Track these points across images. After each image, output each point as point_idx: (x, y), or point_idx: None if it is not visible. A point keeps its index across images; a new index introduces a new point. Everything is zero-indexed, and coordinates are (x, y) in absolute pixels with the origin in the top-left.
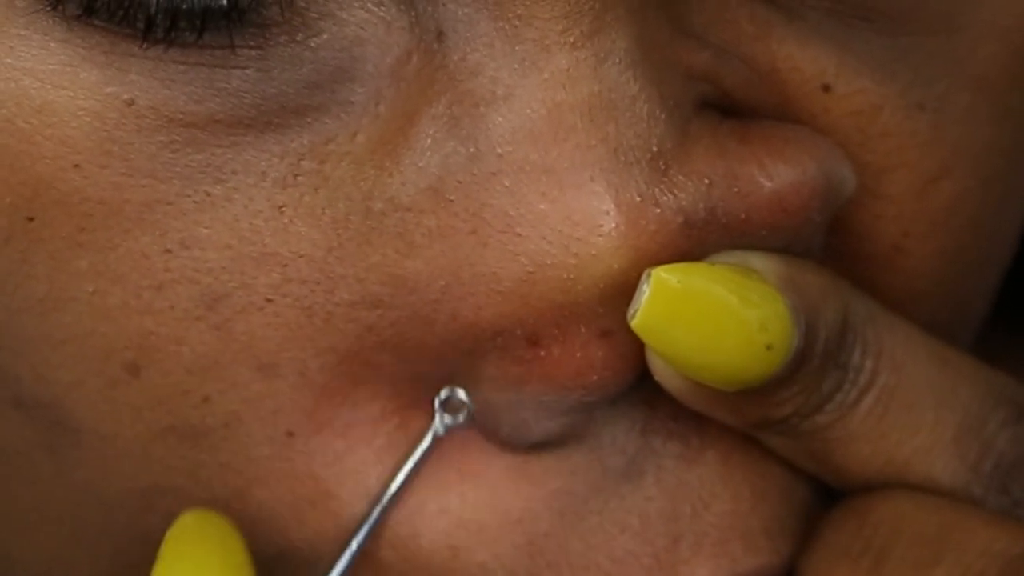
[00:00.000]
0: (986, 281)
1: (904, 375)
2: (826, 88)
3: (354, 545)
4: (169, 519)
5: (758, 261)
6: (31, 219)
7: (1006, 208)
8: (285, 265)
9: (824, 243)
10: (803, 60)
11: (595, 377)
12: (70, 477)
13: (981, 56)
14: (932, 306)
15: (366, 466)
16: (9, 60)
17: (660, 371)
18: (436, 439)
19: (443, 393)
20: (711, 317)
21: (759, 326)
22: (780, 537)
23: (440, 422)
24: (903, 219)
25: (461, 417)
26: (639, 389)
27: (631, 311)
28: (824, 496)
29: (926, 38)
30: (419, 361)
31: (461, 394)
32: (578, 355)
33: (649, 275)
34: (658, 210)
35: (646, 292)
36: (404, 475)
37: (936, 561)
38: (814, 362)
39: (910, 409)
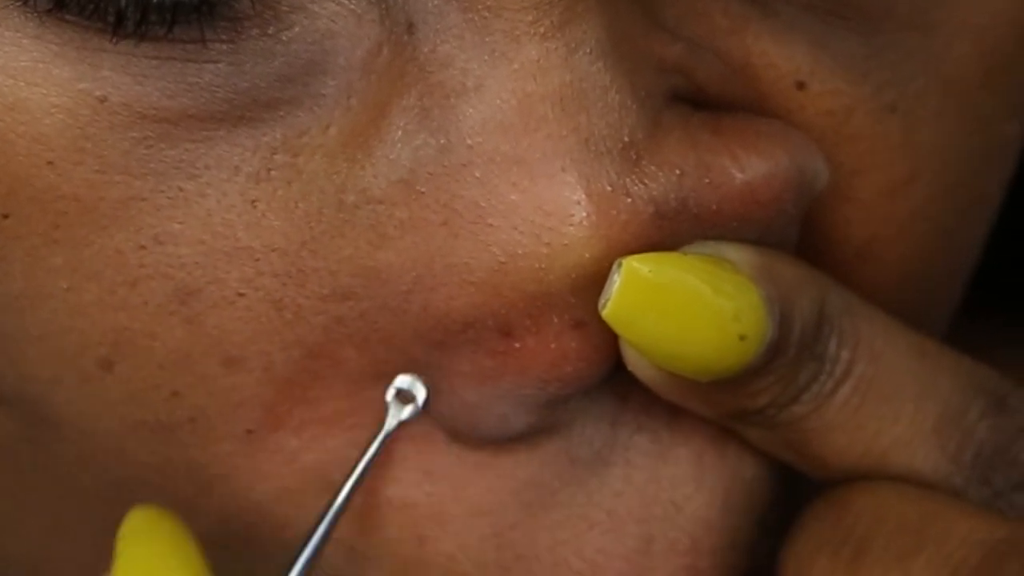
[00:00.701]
0: (950, 285)
1: (882, 366)
2: (800, 85)
3: (308, 549)
4: None
5: (732, 251)
6: (6, 216)
7: (973, 212)
8: (257, 259)
9: (797, 240)
10: (778, 56)
11: (570, 368)
12: (52, 471)
13: (954, 56)
14: (895, 310)
15: (323, 464)
16: None
17: (633, 361)
18: (388, 434)
19: (396, 383)
20: (683, 307)
21: (732, 316)
22: (747, 550)
23: (393, 415)
24: (871, 223)
25: (409, 409)
26: (611, 381)
27: (602, 300)
28: (800, 488)
29: (900, 36)
30: (385, 356)
31: (410, 383)
32: (552, 346)
33: (620, 264)
34: (629, 200)
35: (617, 282)
36: (359, 470)
37: (917, 551)
38: (789, 353)
39: (888, 400)
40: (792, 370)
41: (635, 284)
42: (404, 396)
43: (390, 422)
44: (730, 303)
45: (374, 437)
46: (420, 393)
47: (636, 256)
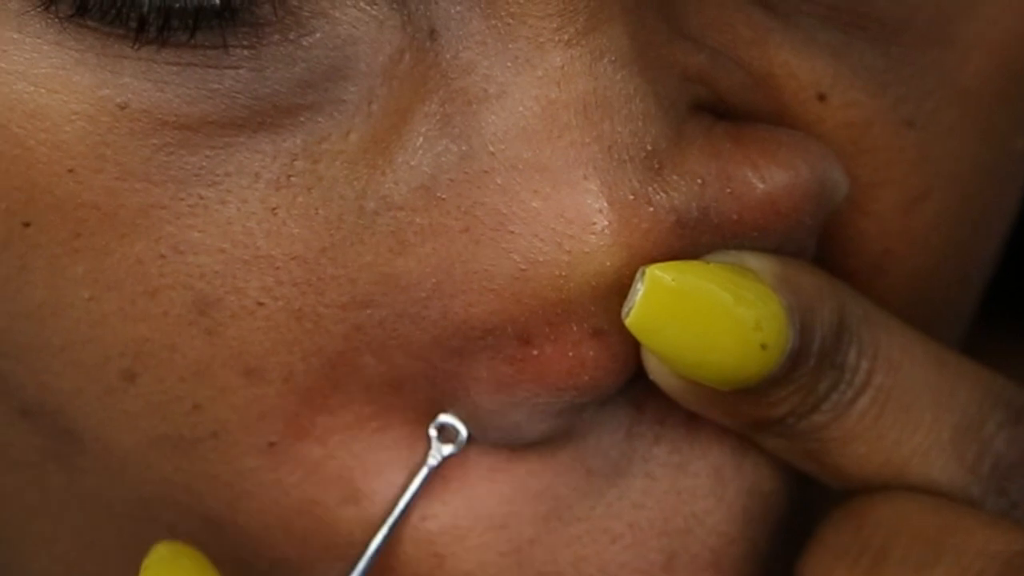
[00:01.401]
0: (965, 298)
1: (901, 376)
2: (821, 97)
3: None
4: (171, 531)
5: (754, 261)
6: (27, 225)
7: (987, 226)
8: (277, 268)
9: (815, 251)
10: (799, 68)
11: (587, 377)
12: (80, 486)
13: (970, 70)
14: (911, 321)
15: (348, 470)
16: (2, 64)
17: (655, 370)
18: (431, 469)
19: (439, 420)
20: (706, 315)
21: (754, 325)
22: (765, 561)
23: (436, 450)
24: (886, 237)
25: (454, 446)
26: (627, 391)
27: (625, 309)
28: (817, 498)
29: (919, 49)
30: (403, 363)
31: (455, 422)
32: (570, 354)
33: (643, 273)
34: (651, 209)
35: (640, 290)
36: (403, 504)
37: (935, 562)
38: (810, 362)
39: (907, 409)
40: (812, 379)
41: (658, 292)
42: (447, 431)
43: (433, 456)
44: (752, 312)
45: (415, 474)
46: (462, 431)
47: (659, 264)
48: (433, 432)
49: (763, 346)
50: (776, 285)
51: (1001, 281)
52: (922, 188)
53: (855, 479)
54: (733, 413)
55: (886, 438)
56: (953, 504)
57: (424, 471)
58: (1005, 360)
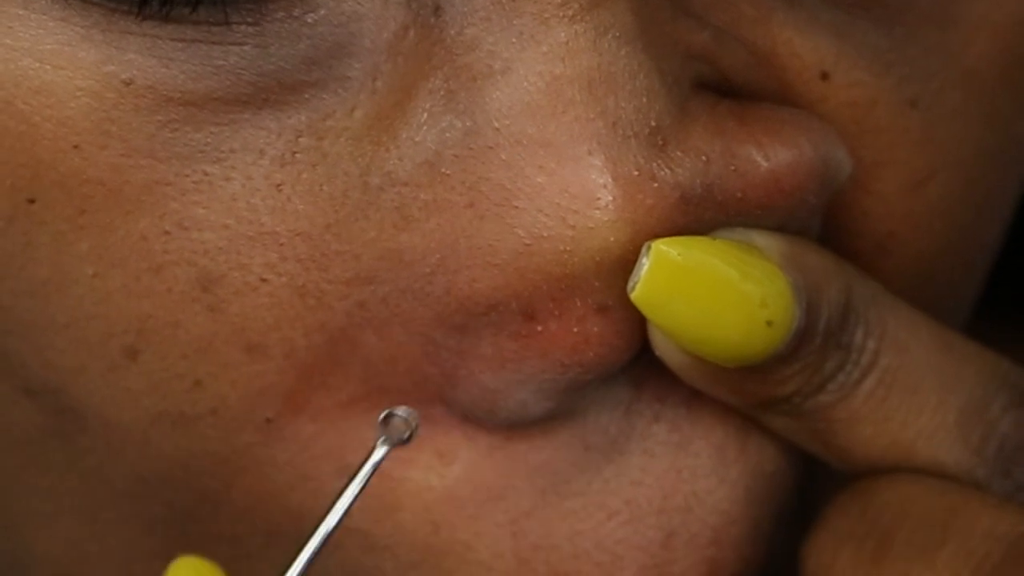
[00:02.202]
0: (969, 280)
1: (907, 357)
2: (824, 76)
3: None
4: (169, 508)
5: (761, 238)
6: (32, 201)
7: (991, 208)
8: (282, 244)
9: (819, 231)
10: (803, 46)
11: (592, 353)
12: (80, 464)
13: (973, 52)
14: (914, 303)
15: (338, 448)
16: (8, 40)
17: (661, 346)
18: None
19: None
20: (711, 291)
21: (760, 302)
22: (767, 542)
23: (382, 440)
24: (890, 218)
25: (406, 435)
26: (627, 369)
27: (631, 283)
28: (820, 479)
29: (922, 30)
30: (404, 340)
31: (403, 412)
32: (575, 330)
33: (649, 247)
34: (655, 184)
35: (646, 265)
36: (350, 493)
37: (941, 544)
38: (816, 341)
39: (913, 391)
40: (818, 359)
41: (664, 267)
42: (394, 423)
43: (379, 446)
44: (758, 289)
45: (363, 463)
46: (407, 417)
47: (665, 239)
48: (379, 421)
49: (769, 323)
50: (783, 263)
51: (1004, 265)
52: (926, 169)
53: (861, 460)
54: (738, 391)
55: (892, 419)
56: (959, 486)
57: (371, 459)
58: (1009, 345)
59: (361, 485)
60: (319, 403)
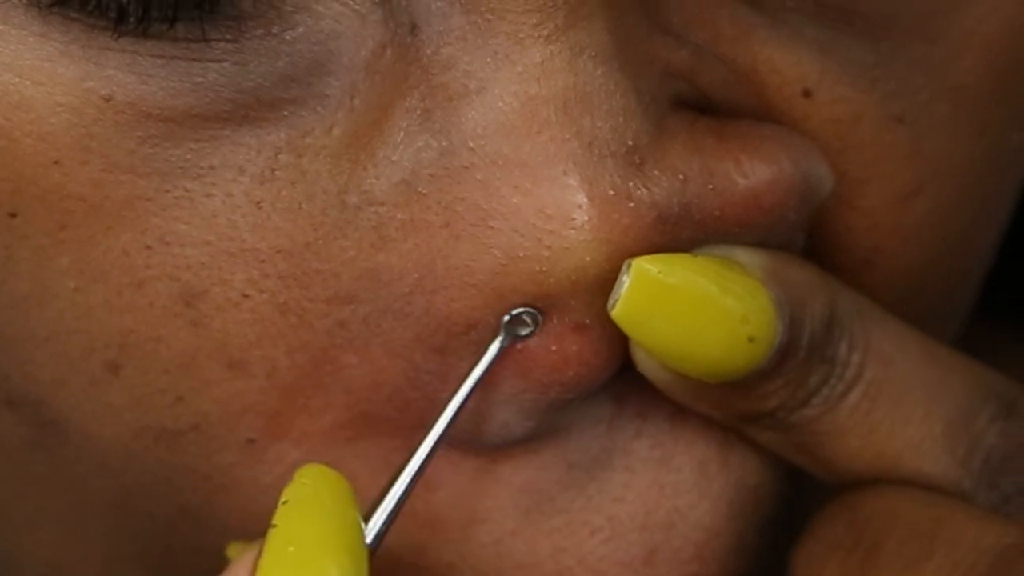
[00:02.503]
0: (959, 293)
1: (892, 369)
2: (807, 93)
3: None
4: (151, 520)
5: (743, 254)
6: (13, 215)
7: (981, 221)
8: (262, 261)
9: (803, 246)
10: (784, 64)
11: (571, 372)
12: (62, 475)
13: (962, 66)
14: (903, 317)
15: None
16: None
17: (643, 362)
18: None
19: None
20: (692, 308)
21: (741, 318)
22: (752, 555)
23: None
24: (875, 232)
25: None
26: (609, 385)
27: (611, 301)
28: (805, 489)
29: (908, 45)
30: (385, 364)
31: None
32: (553, 348)
33: (629, 265)
34: (632, 204)
35: (626, 282)
36: (466, 390)
37: (927, 555)
38: (799, 355)
39: (898, 403)
40: (802, 373)
41: (644, 284)
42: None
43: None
44: (739, 305)
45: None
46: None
47: (646, 256)
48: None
49: (751, 339)
50: (765, 278)
51: (994, 275)
52: (914, 183)
53: (847, 473)
54: (722, 406)
55: (878, 432)
56: (945, 498)
57: (496, 345)
58: (997, 354)
59: (474, 382)
60: (302, 427)
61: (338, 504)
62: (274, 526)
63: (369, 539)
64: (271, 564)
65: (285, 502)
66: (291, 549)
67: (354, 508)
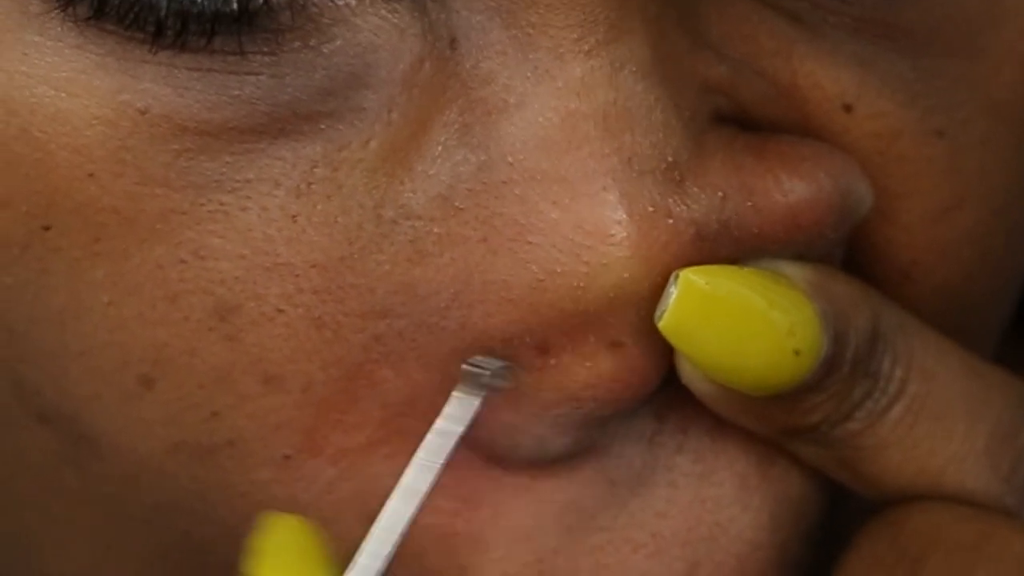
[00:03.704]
0: (996, 308)
1: (935, 385)
2: (847, 108)
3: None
4: (186, 538)
5: (788, 267)
6: (47, 228)
7: (1016, 240)
8: (297, 275)
9: (842, 260)
10: (824, 78)
11: (604, 389)
12: (95, 491)
13: (1001, 82)
14: (941, 331)
15: (361, 494)
16: (24, 68)
17: (688, 375)
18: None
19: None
20: (739, 320)
21: (787, 331)
22: (795, 567)
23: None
24: (914, 247)
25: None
26: (649, 402)
27: (658, 312)
28: (847, 503)
29: (948, 60)
30: (421, 378)
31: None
32: (587, 364)
33: (677, 276)
34: (671, 221)
35: (673, 294)
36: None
37: (971, 570)
38: (843, 369)
39: (941, 419)
40: (846, 387)
41: (691, 296)
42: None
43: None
44: (785, 318)
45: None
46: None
47: (693, 268)
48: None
49: (796, 352)
50: (810, 292)
51: None
52: (953, 198)
53: (889, 488)
54: (766, 420)
55: (920, 447)
56: (989, 513)
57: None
58: None
59: (457, 439)
60: (338, 443)
61: (313, 553)
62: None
63: None
64: None
65: (260, 552)
66: None
67: (327, 556)
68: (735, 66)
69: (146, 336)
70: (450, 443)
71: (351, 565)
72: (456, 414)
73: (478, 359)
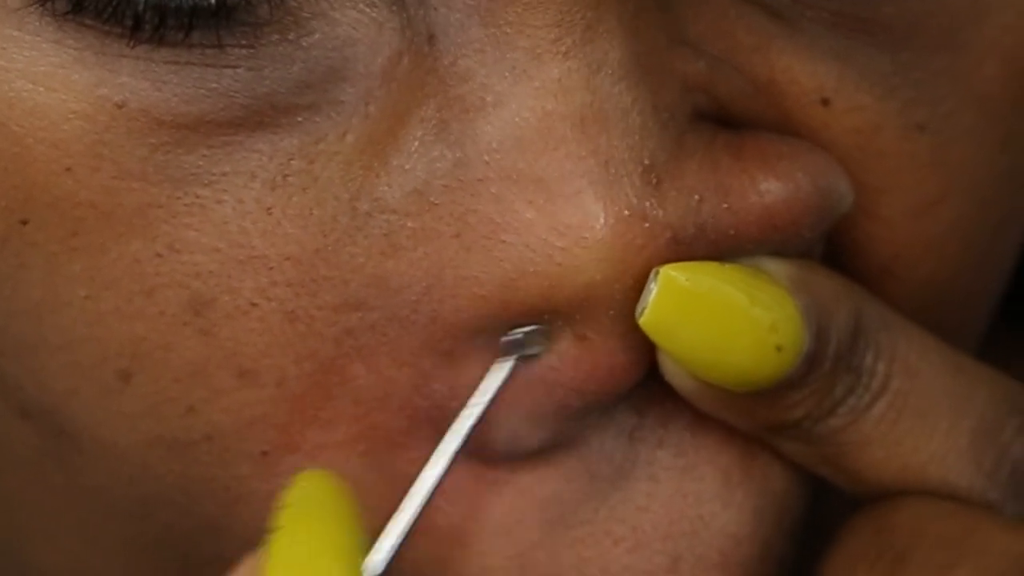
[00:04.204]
0: (980, 303)
1: (918, 380)
2: (825, 102)
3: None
4: (169, 531)
5: (770, 263)
6: (25, 222)
7: (1002, 234)
8: (271, 268)
9: (822, 254)
10: (802, 73)
11: (576, 386)
12: (78, 484)
13: (984, 76)
14: (924, 326)
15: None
16: (1, 62)
17: (670, 371)
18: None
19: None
20: (720, 316)
21: (769, 326)
22: (778, 561)
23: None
24: (895, 242)
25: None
26: (629, 397)
27: (639, 309)
28: (831, 497)
29: (928, 55)
30: (392, 374)
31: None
32: (558, 361)
33: (657, 273)
34: (647, 224)
35: (654, 290)
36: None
37: (956, 565)
38: (825, 365)
39: (924, 415)
40: (828, 383)
41: (672, 292)
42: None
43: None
44: (767, 313)
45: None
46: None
47: (673, 264)
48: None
49: (778, 348)
50: (792, 287)
51: (1017, 284)
52: (936, 193)
53: (872, 484)
54: (748, 416)
55: (903, 443)
56: (973, 508)
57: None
58: (1018, 365)
59: (484, 407)
60: (314, 439)
61: (339, 507)
62: (278, 528)
63: (381, 556)
64: (276, 566)
65: (286, 505)
66: (295, 550)
67: (354, 510)
68: (713, 63)
69: (123, 330)
70: (480, 406)
71: (386, 529)
72: (490, 381)
73: (516, 330)
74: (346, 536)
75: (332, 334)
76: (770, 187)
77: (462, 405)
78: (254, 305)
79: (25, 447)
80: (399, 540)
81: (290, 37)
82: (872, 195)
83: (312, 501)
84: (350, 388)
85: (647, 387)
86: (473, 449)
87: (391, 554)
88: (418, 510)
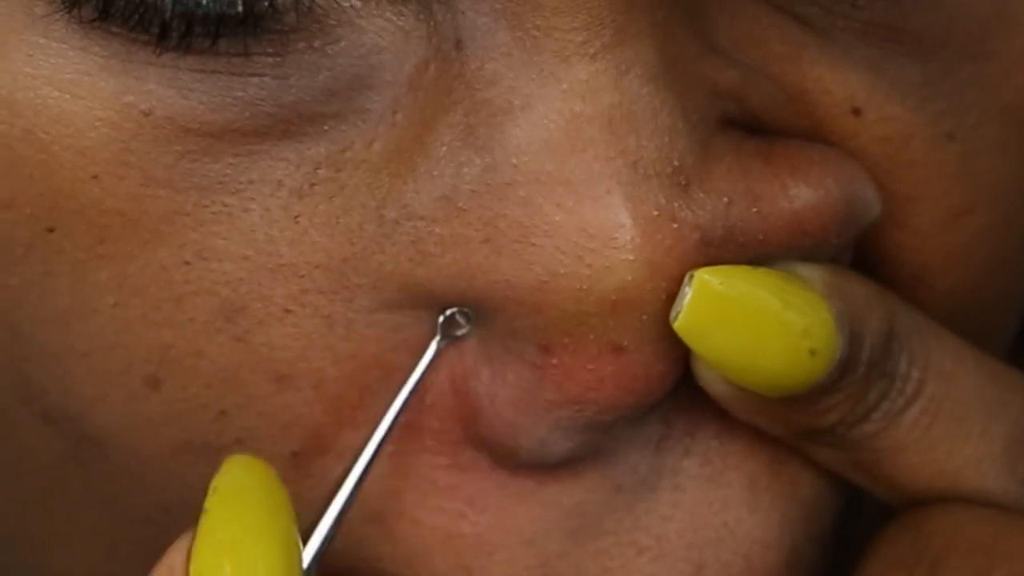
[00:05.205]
0: (1007, 311)
1: (952, 386)
2: (856, 112)
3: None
4: None
5: (804, 268)
6: (51, 230)
7: None
8: (302, 276)
9: (851, 262)
10: (834, 82)
11: (605, 394)
12: (101, 491)
13: (1012, 85)
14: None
15: (366, 492)
16: (28, 69)
17: (704, 376)
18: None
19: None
20: (754, 321)
21: (803, 331)
22: (807, 568)
23: (440, 336)
24: (924, 251)
25: (461, 332)
26: (656, 408)
27: (673, 313)
28: (862, 503)
29: (958, 64)
30: (429, 375)
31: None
32: (589, 367)
33: (692, 277)
34: (675, 225)
35: (688, 294)
36: (398, 404)
37: (991, 569)
38: (859, 370)
39: (959, 420)
40: (862, 387)
41: (706, 297)
42: (453, 321)
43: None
44: (800, 318)
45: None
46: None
47: (707, 268)
48: (440, 321)
49: (812, 353)
50: (826, 292)
51: None
52: (964, 202)
53: (906, 490)
54: (782, 421)
55: (937, 448)
56: (1007, 514)
57: (431, 349)
58: None
59: (412, 387)
60: (347, 441)
61: (267, 491)
62: (205, 511)
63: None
64: (202, 549)
65: (215, 490)
66: (221, 534)
67: (284, 494)
68: (745, 71)
69: (151, 337)
70: (408, 387)
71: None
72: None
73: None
74: (273, 518)
75: (374, 334)
76: (800, 193)
77: (492, 406)
78: (288, 312)
79: (46, 452)
80: (331, 526)
81: (316, 45)
82: (902, 204)
83: (239, 486)
84: (390, 383)
85: (675, 396)
86: (498, 456)
87: (324, 538)
88: (349, 495)
